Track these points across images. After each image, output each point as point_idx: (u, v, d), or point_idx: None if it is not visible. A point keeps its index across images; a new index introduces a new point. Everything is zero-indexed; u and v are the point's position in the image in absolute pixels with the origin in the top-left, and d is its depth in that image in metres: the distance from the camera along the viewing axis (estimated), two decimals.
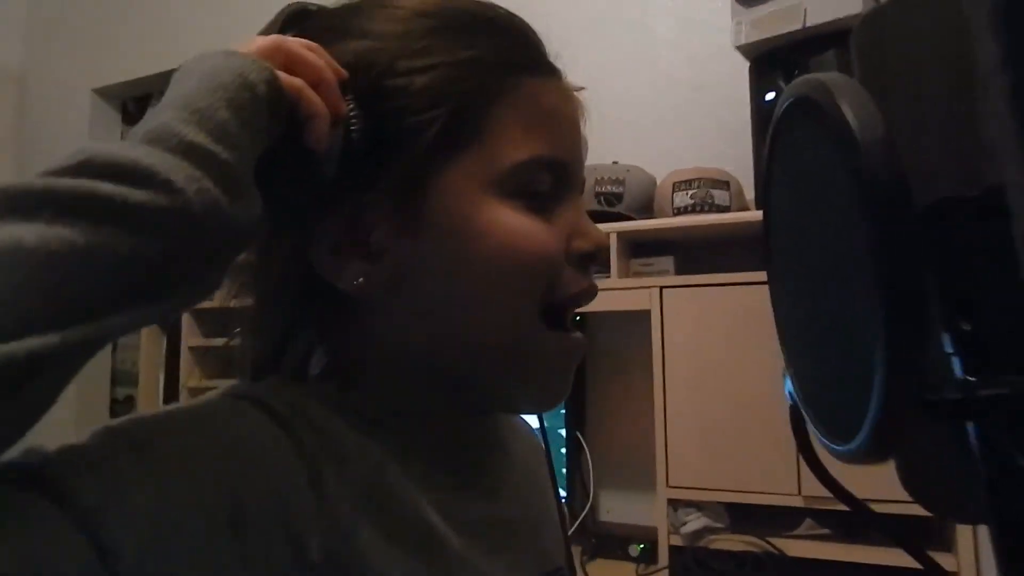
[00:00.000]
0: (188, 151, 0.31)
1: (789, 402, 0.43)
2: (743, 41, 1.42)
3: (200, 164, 0.31)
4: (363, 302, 0.42)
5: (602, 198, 1.56)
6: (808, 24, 1.32)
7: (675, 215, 1.49)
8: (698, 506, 1.39)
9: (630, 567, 1.45)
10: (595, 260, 0.43)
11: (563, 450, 1.60)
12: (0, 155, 2.67)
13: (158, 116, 0.32)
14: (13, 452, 0.29)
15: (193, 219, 0.30)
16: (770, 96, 1.41)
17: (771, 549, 1.30)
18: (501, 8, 0.44)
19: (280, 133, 0.37)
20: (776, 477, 1.28)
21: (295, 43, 0.38)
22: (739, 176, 1.51)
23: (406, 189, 0.40)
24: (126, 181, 0.29)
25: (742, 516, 1.39)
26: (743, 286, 1.35)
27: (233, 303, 0.44)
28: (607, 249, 0.44)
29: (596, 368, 1.70)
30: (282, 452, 0.36)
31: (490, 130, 0.40)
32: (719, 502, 1.38)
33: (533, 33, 0.44)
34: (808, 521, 1.32)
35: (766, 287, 0.46)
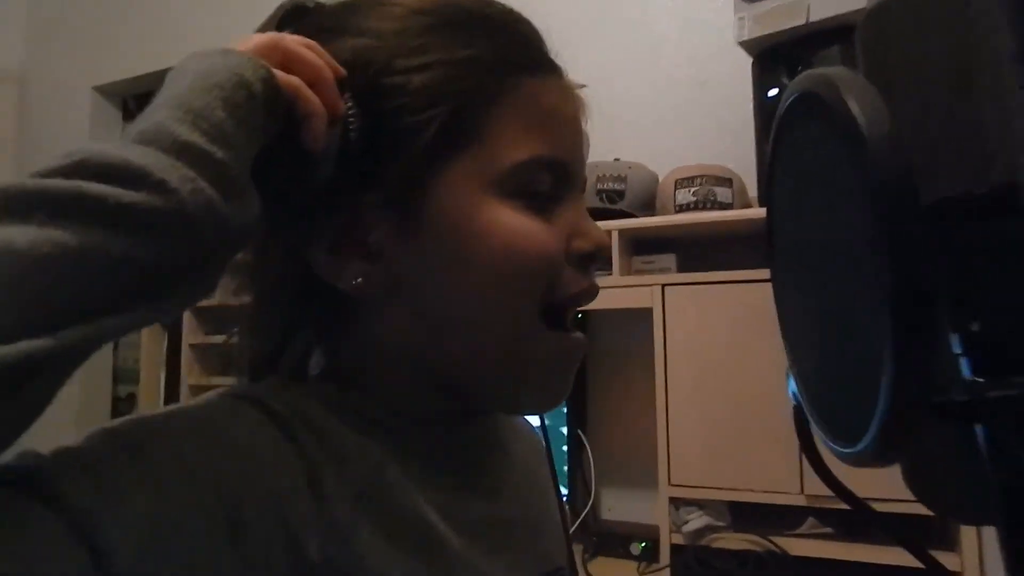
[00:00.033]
0: (182, 151, 0.31)
1: (792, 402, 0.42)
2: (746, 37, 1.41)
3: (195, 164, 0.31)
4: (362, 303, 0.42)
5: (604, 195, 1.56)
6: (812, 19, 1.32)
7: (677, 212, 1.48)
8: (700, 505, 1.39)
9: (631, 566, 1.45)
10: (596, 260, 0.43)
11: (564, 448, 1.59)
12: (0, 155, 2.67)
13: (152, 116, 0.32)
14: (8, 455, 0.28)
15: (188, 220, 0.30)
16: (773, 92, 1.41)
17: (773, 548, 1.30)
18: (501, 5, 0.43)
19: (277, 132, 0.36)
20: (778, 476, 1.28)
21: (292, 41, 0.38)
22: (741, 173, 1.50)
23: (405, 189, 0.40)
24: (119, 182, 0.29)
25: (744, 515, 1.39)
26: (745, 284, 1.35)
27: (234, 301, 0.44)
28: (608, 249, 0.44)
29: (597, 366, 1.69)
30: (281, 453, 0.36)
31: (489, 130, 0.40)
32: (721, 501, 1.38)
33: (533, 31, 0.44)
34: (811, 520, 1.31)
35: (769, 285, 0.45)
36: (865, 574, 1.22)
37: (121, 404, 2.59)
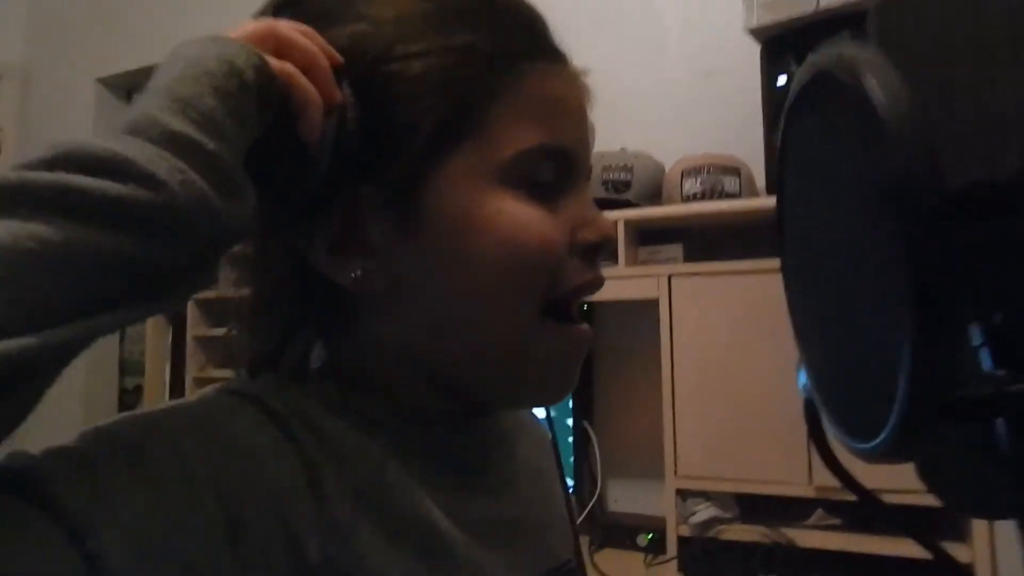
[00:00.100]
0: (171, 141, 0.30)
1: (803, 395, 0.41)
2: (754, 24, 1.39)
3: (184, 155, 0.30)
4: (363, 302, 0.41)
5: (610, 185, 1.54)
6: (822, 5, 1.30)
7: (684, 202, 1.47)
8: (707, 496, 1.38)
9: (638, 557, 1.44)
10: (602, 251, 0.42)
11: (570, 440, 1.59)
12: (4, 148, 2.67)
13: (140, 106, 0.31)
14: None
15: (178, 214, 0.29)
16: (782, 80, 1.39)
17: (781, 540, 1.29)
18: None
19: (271, 123, 0.35)
20: (786, 467, 1.27)
21: (287, 27, 0.37)
22: (750, 164, 1.48)
23: (404, 180, 0.38)
24: (104, 174, 0.28)
25: (752, 506, 1.38)
26: (753, 274, 1.33)
27: (237, 293, 0.43)
28: (614, 240, 0.43)
29: (603, 357, 1.69)
30: (281, 453, 0.35)
31: (491, 118, 0.39)
32: (728, 492, 1.37)
33: (537, 17, 0.43)
34: (819, 511, 1.30)
35: (777, 275, 0.44)
36: (874, 566, 1.21)
37: (127, 396, 2.60)
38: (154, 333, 2.12)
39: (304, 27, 0.37)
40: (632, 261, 1.52)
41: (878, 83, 0.23)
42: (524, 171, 0.39)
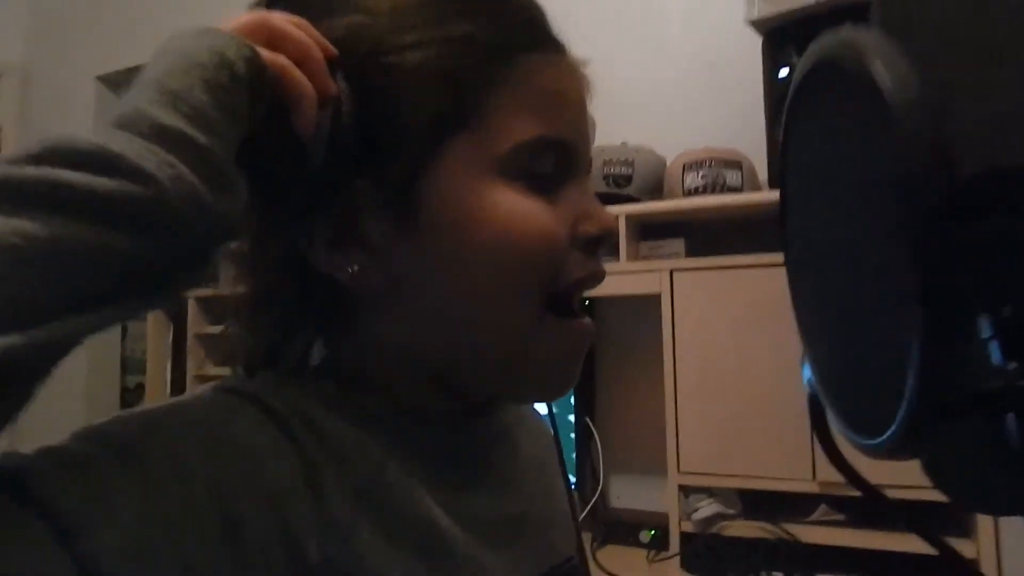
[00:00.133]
0: (161, 135, 0.29)
1: (807, 391, 0.41)
2: (756, 16, 1.38)
3: (174, 149, 0.29)
4: (362, 301, 0.41)
5: (610, 180, 1.53)
6: None
7: (685, 196, 1.46)
8: (710, 492, 1.38)
9: (641, 554, 1.44)
10: (603, 244, 0.41)
11: (572, 436, 1.58)
12: (5, 147, 2.67)
13: (129, 100, 0.30)
14: None
15: (169, 209, 0.28)
16: (784, 72, 1.38)
17: (784, 535, 1.29)
18: None
19: (264, 116, 0.34)
20: (790, 463, 1.26)
21: (280, 19, 0.36)
22: (752, 157, 1.47)
23: (401, 174, 0.38)
24: (92, 168, 0.27)
25: (755, 502, 1.37)
26: (756, 268, 1.33)
27: (238, 291, 0.43)
28: (615, 232, 0.42)
29: (605, 353, 1.68)
30: (280, 453, 0.35)
31: (488, 110, 0.38)
32: (731, 488, 1.37)
33: (535, 6, 0.42)
34: (823, 507, 1.30)
35: (780, 269, 0.44)
36: (878, 562, 1.21)
37: (129, 394, 2.60)
38: (155, 331, 2.12)
39: (298, 19, 0.37)
40: (633, 256, 1.51)
41: (885, 67, 0.22)
42: (523, 163, 0.39)
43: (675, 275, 1.40)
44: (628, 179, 1.54)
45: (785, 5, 1.34)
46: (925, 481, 0.39)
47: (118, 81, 2.71)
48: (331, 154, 0.37)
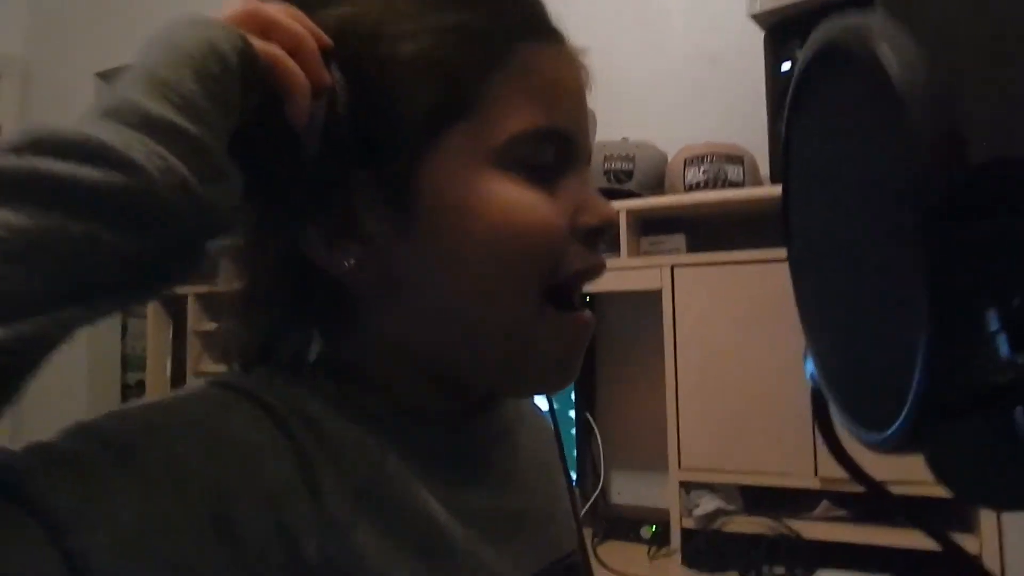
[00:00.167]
0: (150, 125, 0.29)
1: (810, 384, 0.40)
2: (758, 10, 1.37)
3: (164, 139, 0.29)
4: (361, 299, 0.40)
5: (611, 175, 1.53)
6: None
7: (687, 192, 1.45)
8: (711, 488, 1.38)
9: (642, 550, 1.44)
10: (603, 235, 0.41)
11: (573, 432, 1.58)
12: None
13: (118, 90, 0.30)
14: None
15: (158, 200, 0.28)
16: (786, 67, 1.37)
17: (786, 531, 1.28)
18: None
19: (257, 107, 0.34)
20: (792, 459, 1.26)
21: (272, 8, 0.35)
22: (754, 152, 1.47)
23: (397, 166, 0.37)
24: (77, 158, 0.27)
25: (756, 498, 1.37)
26: (757, 264, 1.32)
27: (232, 286, 0.42)
28: (616, 224, 0.42)
29: (606, 349, 1.68)
30: (278, 452, 0.34)
31: (485, 100, 0.37)
32: (732, 484, 1.36)
33: None
34: (825, 503, 1.29)
35: (782, 265, 0.43)
36: (880, 557, 1.20)
37: (130, 392, 2.60)
38: (155, 328, 2.11)
39: (291, 8, 0.36)
40: (634, 252, 1.50)
41: (891, 50, 0.22)
42: (521, 154, 0.38)
43: (676, 271, 1.40)
44: (629, 174, 1.53)
45: None
46: (927, 476, 0.39)
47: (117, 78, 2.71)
48: (327, 146, 0.36)
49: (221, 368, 0.42)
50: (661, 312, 1.40)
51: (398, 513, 0.37)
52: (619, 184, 1.52)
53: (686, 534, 1.37)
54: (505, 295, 0.38)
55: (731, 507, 1.36)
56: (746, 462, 1.31)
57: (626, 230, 1.45)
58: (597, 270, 0.41)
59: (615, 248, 1.45)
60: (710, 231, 1.53)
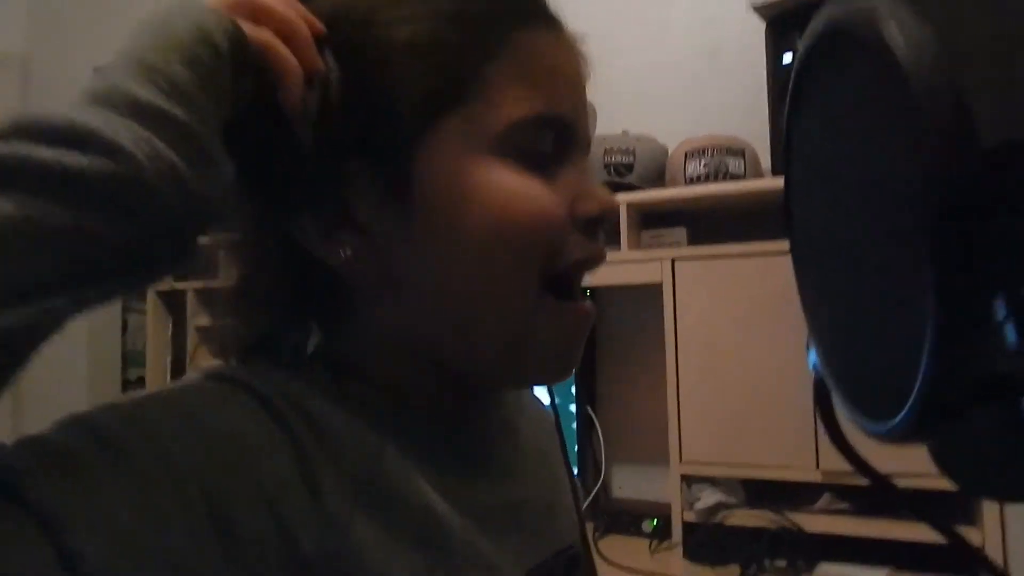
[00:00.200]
0: (138, 111, 0.28)
1: (813, 374, 0.40)
2: (759, 2, 1.36)
3: (152, 125, 0.28)
4: (358, 287, 0.39)
5: (612, 168, 1.52)
6: None
7: (687, 185, 1.45)
8: (713, 482, 1.37)
9: (643, 543, 1.43)
10: (603, 224, 0.40)
11: (574, 426, 1.58)
12: None
13: (105, 75, 0.29)
14: None
15: (145, 187, 0.27)
16: (787, 58, 1.36)
17: (787, 524, 1.28)
18: None
19: (250, 94, 0.33)
20: (793, 452, 1.25)
21: None
22: (755, 145, 1.46)
23: (392, 154, 0.37)
24: (64, 144, 0.26)
25: (758, 492, 1.37)
26: (759, 257, 1.32)
27: (231, 278, 0.42)
28: (615, 212, 0.41)
29: (607, 342, 1.67)
30: (275, 446, 0.34)
31: (482, 87, 0.37)
32: (733, 478, 1.36)
33: None
34: (827, 496, 1.29)
35: (783, 258, 0.43)
36: (882, 550, 1.20)
37: (130, 388, 2.59)
38: (155, 324, 2.11)
39: None
40: (635, 245, 1.50)
41: (899, 30, 0.21)
42: (520, 141, 0.37)
43: (677, 264, 1.39)
44: (629, 167, 1.52)
45: None
46: (929, 468, 0.39)
47: None
48: (321, 134, 0.36)
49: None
50: (662, 305, 1.39)
51: (396, 506, 0.37)
52: (619, 177, 1.52)
53: (687, 528, 1.36)
54: (504, 284, 0.38)
55: (732, 500, 1.35)
56: (747, 455, 1.31)
57: (626, 223, 1.45)
58: (597, 259, 0.41)
59: (615, 242, 1.45)
60: (711, 224, 1.53)
